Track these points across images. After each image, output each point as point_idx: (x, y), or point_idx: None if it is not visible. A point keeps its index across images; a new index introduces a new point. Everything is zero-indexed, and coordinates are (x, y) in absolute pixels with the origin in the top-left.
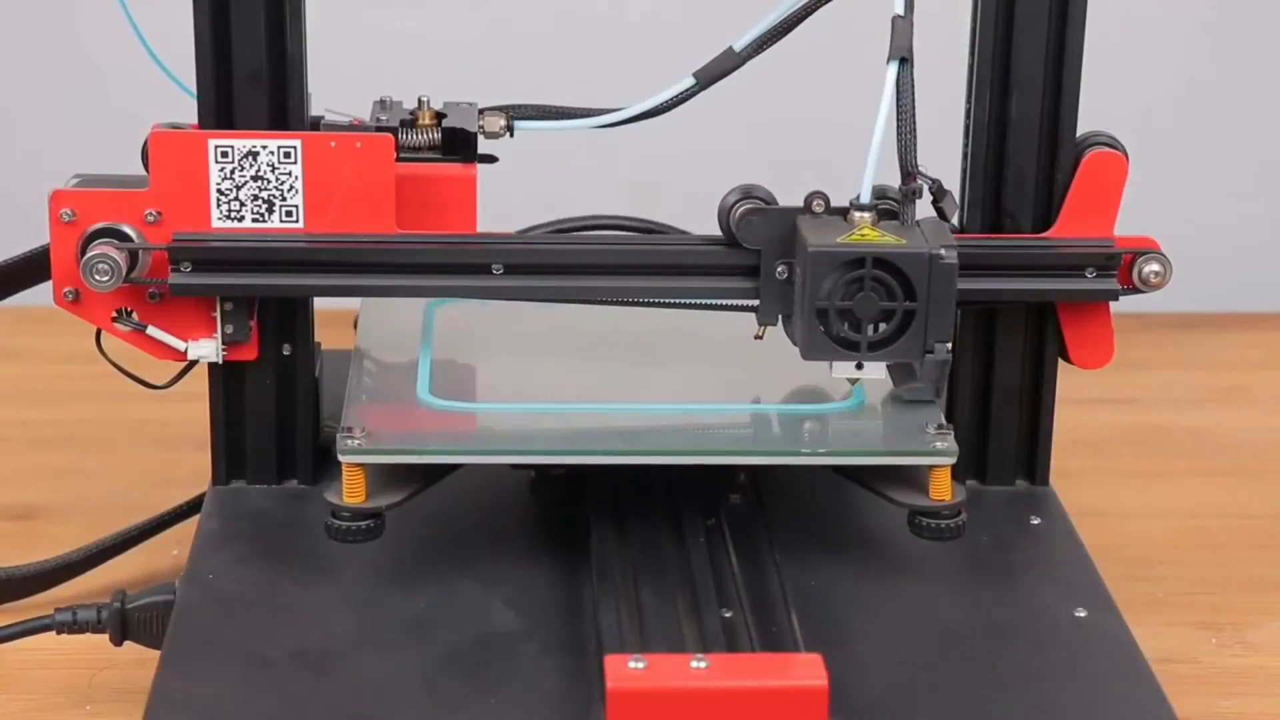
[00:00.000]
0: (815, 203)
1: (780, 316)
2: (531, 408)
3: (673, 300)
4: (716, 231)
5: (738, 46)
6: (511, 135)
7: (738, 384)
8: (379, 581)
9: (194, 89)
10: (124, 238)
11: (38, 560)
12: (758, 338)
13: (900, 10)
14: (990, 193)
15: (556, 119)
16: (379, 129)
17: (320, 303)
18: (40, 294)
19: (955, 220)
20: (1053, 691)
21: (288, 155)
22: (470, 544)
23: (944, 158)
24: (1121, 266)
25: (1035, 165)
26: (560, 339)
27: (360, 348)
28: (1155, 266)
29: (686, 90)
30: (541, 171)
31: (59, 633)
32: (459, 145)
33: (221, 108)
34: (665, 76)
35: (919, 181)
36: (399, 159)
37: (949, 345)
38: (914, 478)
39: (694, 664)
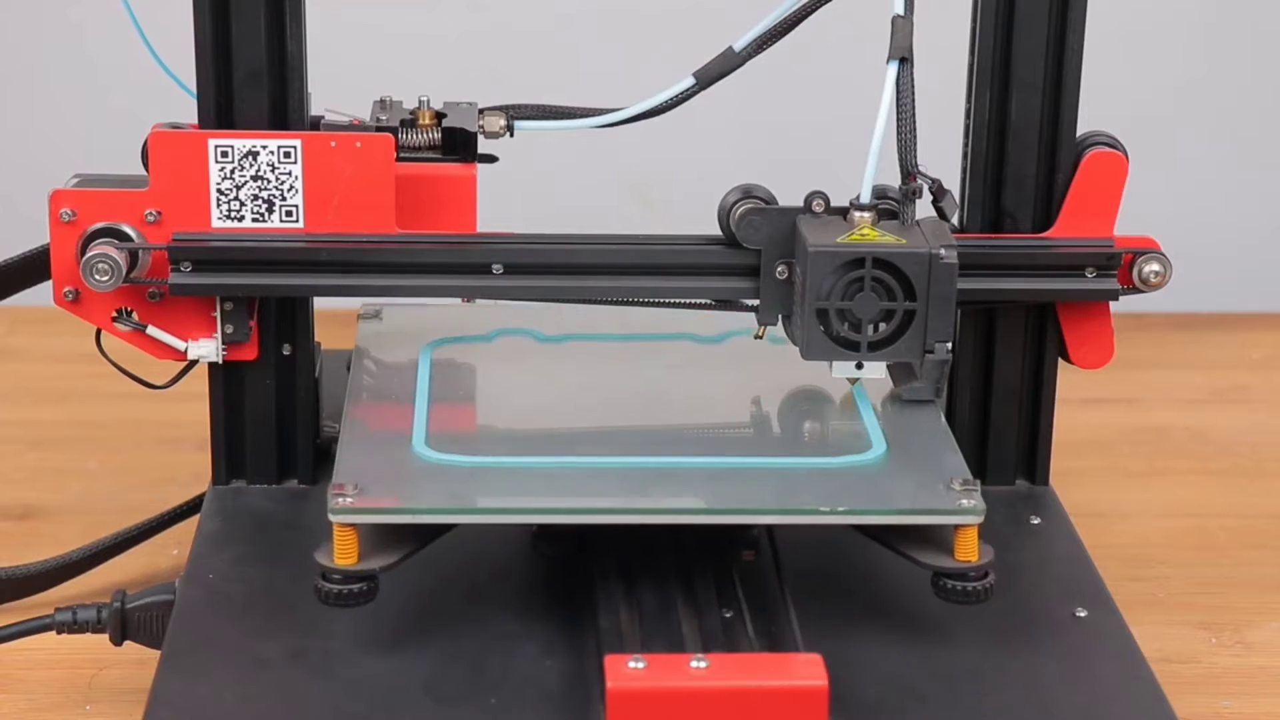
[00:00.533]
0: (815, 203)
1: (780, 316)
2: (533, 461)
3: (673, 300)
4: (716, 231)
5: (738, 46)
6: (511, 135)
7: (751, 437)
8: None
9: (194, 89)
10: (124, 237)
11: (38, 560)
12: (757, 337)
13: (900, 10)
14: (990, 192)
15: (556, 119)
16: (379, 129)
17: (320, 303)
18: (40, 294)
19: (955, 220)
20: (1053, 691)
21: (288, 155)
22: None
23: (944, 158)
24: (1121, 266)
25: (1035, 165)
26: (561, 384)
27: (353, 390)
28: (1155, 266)
29: (686, 90)
30: (541, 171)
31: (59, 633)
32: (459, 145)
33: (221, 108)
34: (665, 76)
35: (919, 181)
36: (399, 159)
37: (949, 345)
38: (937, 536)
39: (694, 664)
